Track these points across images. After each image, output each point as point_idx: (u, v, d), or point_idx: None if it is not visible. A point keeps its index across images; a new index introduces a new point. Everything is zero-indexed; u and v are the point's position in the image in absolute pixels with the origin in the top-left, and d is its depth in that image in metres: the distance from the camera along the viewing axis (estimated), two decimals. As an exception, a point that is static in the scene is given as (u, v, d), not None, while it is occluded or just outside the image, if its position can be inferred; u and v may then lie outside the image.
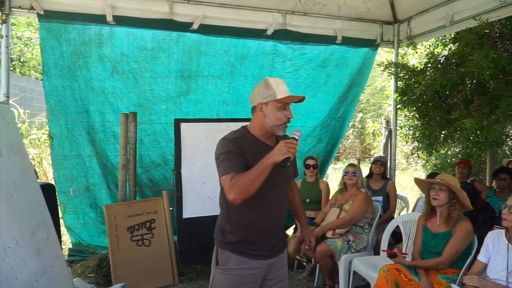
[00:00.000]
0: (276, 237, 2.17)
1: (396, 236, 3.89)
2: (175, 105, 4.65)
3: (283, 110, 2.02)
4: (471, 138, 3.72)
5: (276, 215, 2.13)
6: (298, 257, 2.89)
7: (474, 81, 3.85)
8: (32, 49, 12.01)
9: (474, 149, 3.68)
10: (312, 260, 3.78)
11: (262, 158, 1.90)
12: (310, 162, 4.51)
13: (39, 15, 3.92)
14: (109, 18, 4.03)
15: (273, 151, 1.89)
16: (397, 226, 3.75)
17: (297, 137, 1.97)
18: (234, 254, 2.06)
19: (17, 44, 11.80)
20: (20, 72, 11.73)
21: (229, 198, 1.91)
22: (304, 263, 4.16)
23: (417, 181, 3.28)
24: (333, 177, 8.34)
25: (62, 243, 4.04)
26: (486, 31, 3.65)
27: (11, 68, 9.94)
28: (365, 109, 13.83)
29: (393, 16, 5.07)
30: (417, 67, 4.45)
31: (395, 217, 4.42)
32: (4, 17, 3.88)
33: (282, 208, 2.18)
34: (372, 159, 5.46)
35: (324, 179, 5.20)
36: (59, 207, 4.10)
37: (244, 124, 2.19)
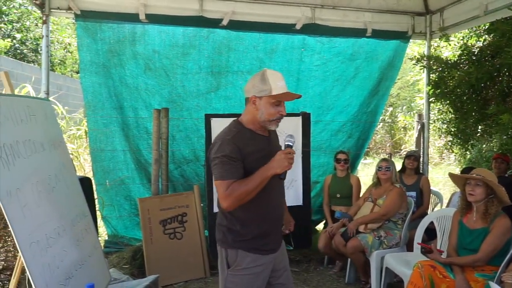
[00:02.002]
0: (280, 227, 2.24)
1: (429, 233, 3.81)
2: (206, 101, 4.72)
3: (276, 106, 1.98)
4: (510, 133, 3.59)
5: (279, 205, 2.17)
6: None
7: (511, 73, 3.72)
8: (71, 53, 12.44)
9: (513, 144, 3.55)
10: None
11: (263, 150, 1.97)
12: (341, 156, 4.44)
13: (76, 15, 4.09)
14: (142, 17, 4.15)
15: (273, 163, 1.89)
16: (430, 222, 3.67)
17: (291, 144, 1.96)
18: (248, 253, 2.03)
19: (57, 50, 12.24)
20: (61, 72, 12.15)
21: (222, 205, 1.92)
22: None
23: (452, 176, 3.18)
24: (363, 172, 8.19)
25: (98, 235, 4.19)
26: (524, 20, 3.52)
27: (51, 68, 10.32)
28: (395, 103, 13.55)
29: (425, 7, 4.94)
30: (450, 60, 4.33)
31: (428, 213, 4.32)
32: (44, 18, 4.08)
33: (283, 198, 2.24)
34: (403, 154, 5.35)
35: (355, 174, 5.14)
36: (96, 200, 4.26)
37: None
